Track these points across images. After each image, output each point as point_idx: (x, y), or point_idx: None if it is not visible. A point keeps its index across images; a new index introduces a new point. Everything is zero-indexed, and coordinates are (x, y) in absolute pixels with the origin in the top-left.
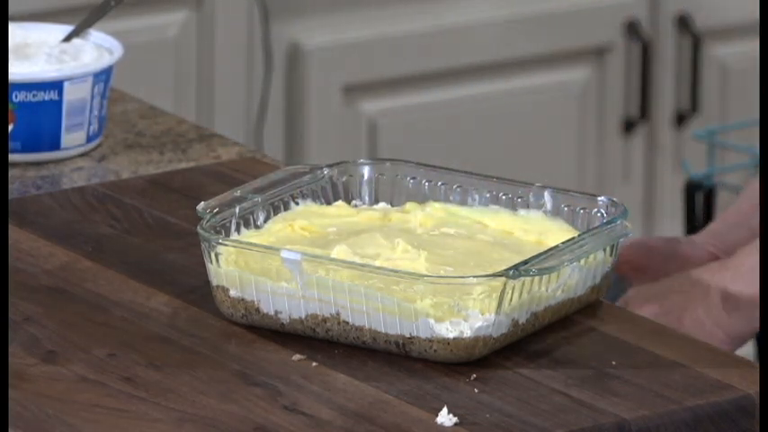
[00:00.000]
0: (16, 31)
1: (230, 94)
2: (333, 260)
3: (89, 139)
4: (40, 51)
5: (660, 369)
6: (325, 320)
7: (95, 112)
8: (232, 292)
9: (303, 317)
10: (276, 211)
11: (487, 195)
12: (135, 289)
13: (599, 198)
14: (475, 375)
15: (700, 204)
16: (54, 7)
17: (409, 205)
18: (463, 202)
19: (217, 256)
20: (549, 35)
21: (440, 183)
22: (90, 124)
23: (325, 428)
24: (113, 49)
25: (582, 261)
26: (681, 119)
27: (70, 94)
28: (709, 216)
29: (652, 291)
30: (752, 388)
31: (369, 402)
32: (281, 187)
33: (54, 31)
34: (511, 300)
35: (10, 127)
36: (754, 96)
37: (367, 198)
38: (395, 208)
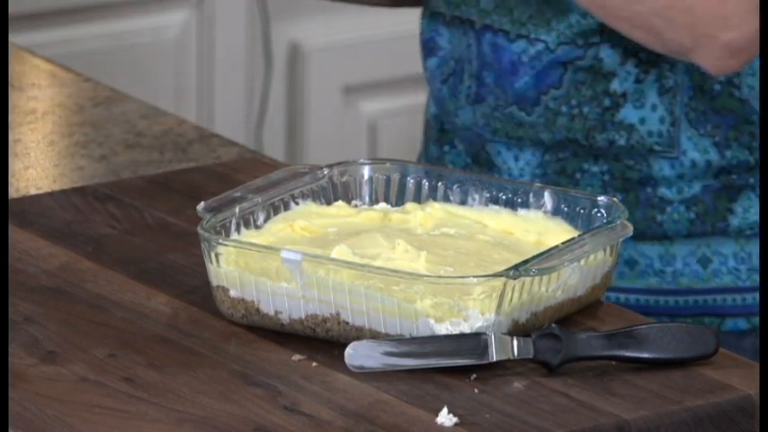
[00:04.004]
0: None
1: (230, 93)
2: (333, 260)
3: None
4: None
5: (660, 369)
6: (325, 320)
7: None
8: (232, 293)
9: (303, 317)
10: (276, 211)
11: (487, 195)
12: (135, 289)
13: (599, 198)
14: (475, 375)
15: None
16: (54, 7)
17: (409, 205)
18: (463, 202)
19: (217, 256)
20: None
21: (440, 183)
22: None
23: (325, 428)
24: None
25: (582, 261)
26: None
27: None
28: None
29: None
30: (752, 388)
31: (369, 402)
32: (281, 187)
33: None
34: (511, 300)
35: None
36: None
37: (367, 198)
38: (395, 208)
